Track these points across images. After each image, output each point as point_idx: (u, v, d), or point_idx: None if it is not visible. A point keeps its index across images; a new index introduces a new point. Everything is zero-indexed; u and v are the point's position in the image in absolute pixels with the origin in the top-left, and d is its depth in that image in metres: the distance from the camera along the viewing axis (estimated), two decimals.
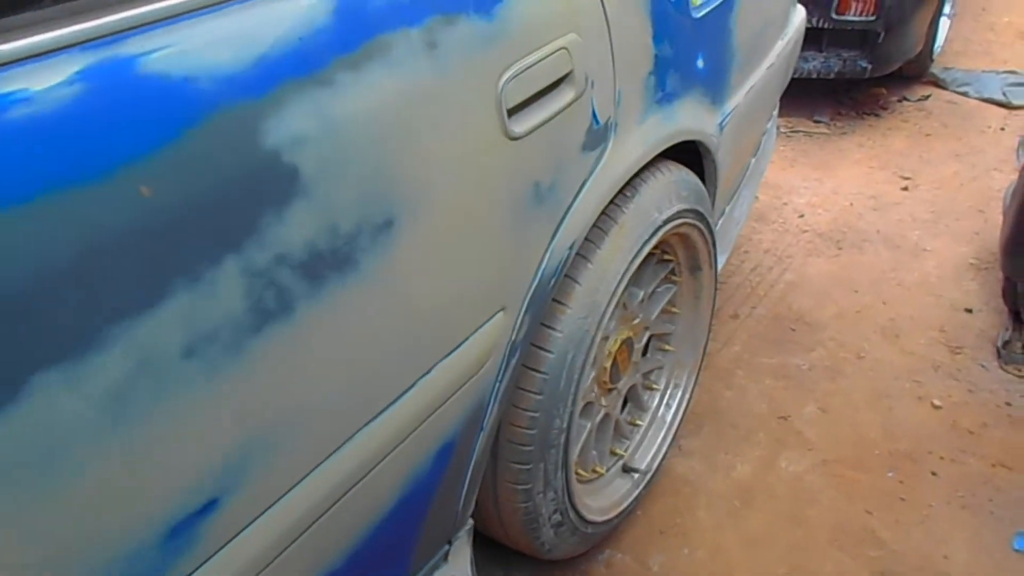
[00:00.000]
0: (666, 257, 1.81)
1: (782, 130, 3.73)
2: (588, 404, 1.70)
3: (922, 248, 2.88)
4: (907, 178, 3.37)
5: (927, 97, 4.06)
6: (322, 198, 0.89)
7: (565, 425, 1.47)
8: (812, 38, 3.45)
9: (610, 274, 1.45)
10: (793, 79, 3.56)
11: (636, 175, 1.53)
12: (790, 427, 2.18)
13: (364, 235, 0.95)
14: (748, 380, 2.33)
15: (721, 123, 1.79)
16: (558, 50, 1.21)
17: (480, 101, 1.09)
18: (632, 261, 1.50)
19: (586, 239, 1.43)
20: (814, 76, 3.56)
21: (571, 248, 1.34)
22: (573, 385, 1.45)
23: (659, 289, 1.88)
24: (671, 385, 1.99)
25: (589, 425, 1.72)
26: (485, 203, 1.14)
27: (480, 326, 1.21)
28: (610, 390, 1.77)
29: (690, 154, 1.76)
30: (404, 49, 0.97)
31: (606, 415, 1.80)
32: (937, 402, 2.23)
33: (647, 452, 1.94)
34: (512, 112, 1.14)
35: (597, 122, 1.33)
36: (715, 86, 1.73)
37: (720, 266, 2.16)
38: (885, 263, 2.79)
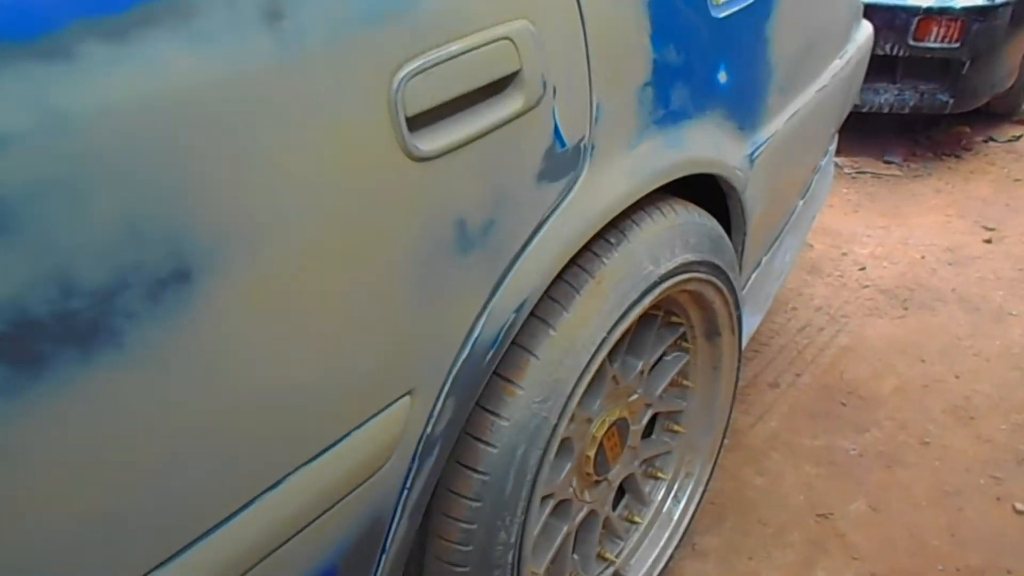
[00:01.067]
0: (674, 320, 1.44)
1: (846, 170, 3.33)
2: (563, 502, 1.35)
3: (1007, 312, 2.45)
4: (991, 229, 2.94)
5: (1018, 138, 3.60)
6: (38, 235, 0.57)
7: (514, 540, 1.12)
8: (885, 67, 3.05)
9: (581, 344, 1.10)
10: (861, 114, 3.16)
11: (623, 215, 1.18)
12: (832, 528, 1.78)
13: (130, 293, 0.62)
14: (784, 465, 1.94)
15: (752, 155, 1.43)
16: (497, 40, 0.87)
17: (360, 104, 0.76)
18: (615, 327, 1.15)
19: (548, 298, 1.09)
20: (886, 111, 3.15)
21: (519, 310, 0.99)
22: (525, 488, 1.09)
23: (667, 358, 1.52)
24: (681, 474, 1.61)
25: (566, 527, 1.36)
26: (369, 247, 0.80)
27: (371, 416, 0.87)
28: (597, 482, 1.41)
29: (709, 192, 1.40)
30: (220, 18, 0.65)
31: (591, 513, 1.43)
32: (1020, 505, 1.81)
33: (647, 556, 1.57)
34: (416, 122, 0.81)
35: (562, 143, 0.99)
36: (744, 107, 1.38)
37: (753, 328, 1.79)
38: (960, 328, 2.37)
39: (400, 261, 0.84)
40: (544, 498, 1.29)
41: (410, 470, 0.95)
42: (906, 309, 2.51)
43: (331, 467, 0.84)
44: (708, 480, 1.64)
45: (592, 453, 1.34)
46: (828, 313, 2.50)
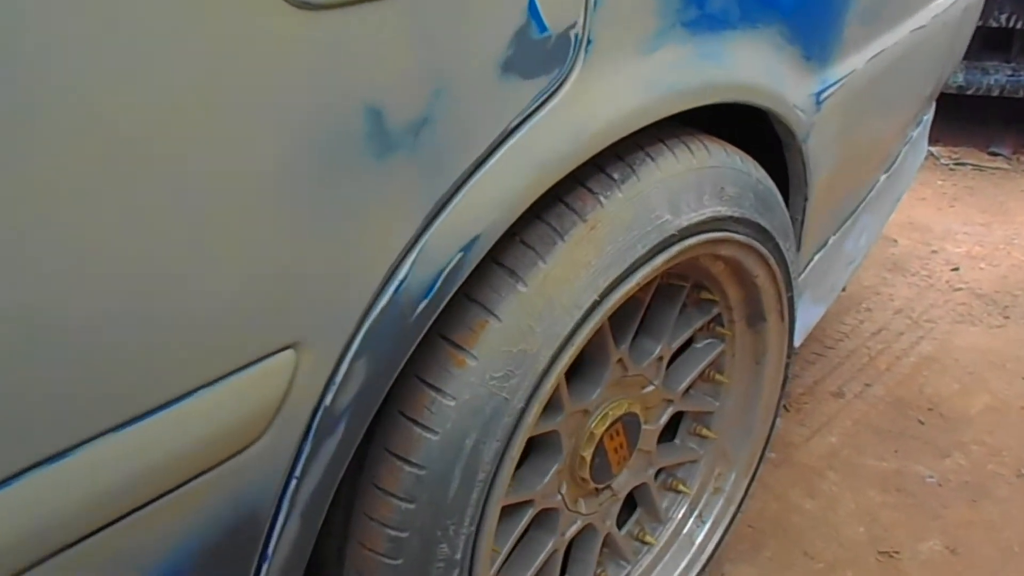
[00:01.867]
0: (706, 296, 1.16)
1: (942, 161, 2.95)
2: (549, 512, 1.08)
3: None
4: None
5: None
6: None
7: (460, 556, 0.86)
8: (998, 42, 2.67)
9: (561, 307, 0.83)
10: (964, 96, 2.78)
11: (633, 144, 0.90)
12: (896, 570, 1.47)
13: None
14: (843, 488, 1.63)
15: (820, 94, 1.14)
16: None
17: None
18: (612, 290, 0.88)
19: (518, 241, 0.83)
20: (995, 94, 2.76)
21: (468, 250, 0.73)
22: (476, 490, 0.83)
23: (696, 346, 1.23)
24: (708, 489, 1.32)
25: (551, 542, 1.09)
26: (228, 131, 0.55)
27: (228, 372, 0.62)
28: (596, 491, 1.14)
29: (759, 141, 1.11)
30: None
31: (587, 528, 1.16)
32: None
33: None
34: None
35: (541, 26, 0.72)
36: (811, 30, 1.08)
37: (812, 322, 1.49)
38: None
39: (276, 156, 0.59)
40: (520, 505, 1.03)
41: (299, 452, 0.70)
42: (1006, 318, 2.15)
43: (163, 436, 0.60)
44: (743, 499, 1.34)
45: (588, 454, 1.07)
46: (910, 317, 2.16)
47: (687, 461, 1.31)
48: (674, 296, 1.11)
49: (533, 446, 1.06)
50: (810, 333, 1.83)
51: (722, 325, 1.22)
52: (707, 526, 1.32)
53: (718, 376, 1.26)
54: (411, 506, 0.81)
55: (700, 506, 1.32)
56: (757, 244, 1.07)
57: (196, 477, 0.63)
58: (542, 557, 1.09)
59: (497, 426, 0.82)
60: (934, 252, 2.45)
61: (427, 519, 0.82)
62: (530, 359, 0.83)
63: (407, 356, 0.73)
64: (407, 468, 0.80)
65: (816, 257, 1.43)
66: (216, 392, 0.61)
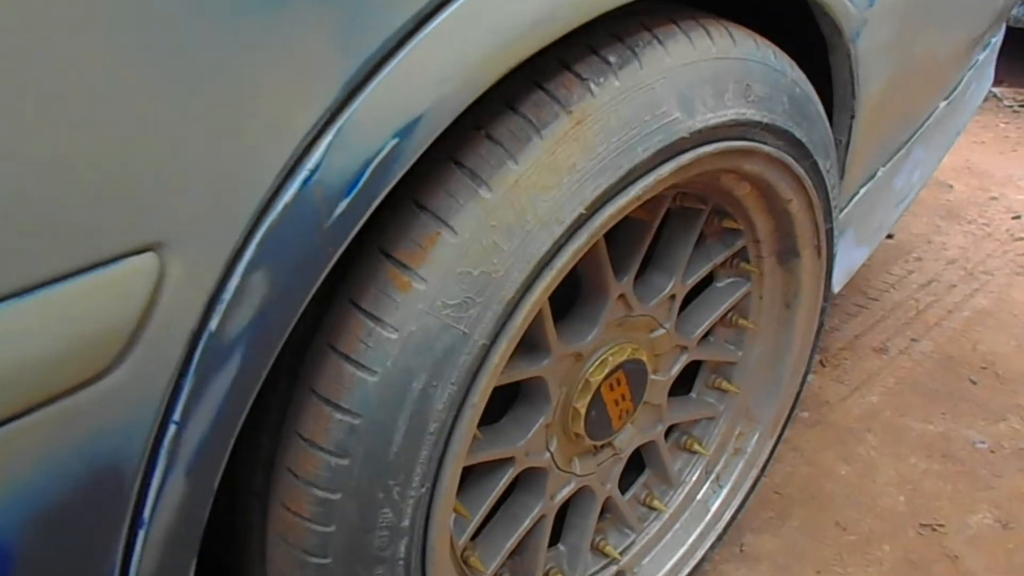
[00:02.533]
0: (728, 224, 0.98)
1: (1006, 102, 2.70)
2: (534, 472, 0.92)
3: None
4: None
5: None
6: None
7: (408, 522, 0.70)
8: None
9: (536, 219, 0.67)
10: None
11: (635, 23, 0.72)
12: (940, 545, 1.30)
13: None
14: (882, 453, 1.46)
15: None
16: None
17: None
18: (604, 202, 0.71)
19: (482, 135, 0.65)
20: None
21: (405, 135, 0.56)
22: (427, 444, 0.68)
23: (717, 285, 1.06)
24: (728, 450, 1.16)
25: (538, 507, 0.94)
26: None
27: (57, 278, 0.46)
28: (593, 449, 0.98)
29: (796, 37, 0.93)
30: None
31: (583, 490, 1.00)
32: None
33: (667, 557, 1.13)
34: None
35: None
36: None
37: (854, 266, 1.30)
38: None
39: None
40: (499, 463, 0.87)
41: (177, 391, 0.54)
42: None
43: None
44: (767, 462, 1.18)
45: (583, 405, 0.91)
46: (965, 268, 1.95)
47: (704, 418, 1.14)
48: (690, 223, 0.94)
49: (515, 395, 0.90)
50: (852, 281, 1.64)
51: (747, 261, 1.04)
52: (725, 491, 1.16)
53: (742, 321, 1.09)
54: (343, 462, 0.66)
55: (717, 469, 1.16)
56: (791, 161, 0.89)
57: (24, 414, 0.48)
58: (526, 523, 0.93)
59: (452, 367, 0.66)
60: (993, 199, 2.23)
61: (364, 479, 0.66)
62: (495, 285, 0.66)
63: (325, 271, 0.57)
64: (338, 416, 0.65)
65: (862, 191, 1.24)
66: (43, 300, 0.46)
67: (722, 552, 1.25)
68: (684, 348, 1.03)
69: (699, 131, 0.75)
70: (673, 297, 0.97)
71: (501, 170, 0.65)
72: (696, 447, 1.13)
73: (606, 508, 1.06)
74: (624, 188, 0.72)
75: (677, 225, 0.94)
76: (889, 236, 1.78)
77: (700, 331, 1.03)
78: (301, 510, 0.68)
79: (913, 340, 1.73)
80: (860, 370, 1.65)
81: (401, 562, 0.72)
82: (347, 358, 0.64)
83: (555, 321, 0.84)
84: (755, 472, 1.17)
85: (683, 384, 1.12)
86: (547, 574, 1.02)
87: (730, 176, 0.90)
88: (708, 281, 1.05)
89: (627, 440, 1.02)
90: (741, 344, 1.11)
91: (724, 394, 1.13)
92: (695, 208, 0.93)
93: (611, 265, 0.86)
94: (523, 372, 0.83)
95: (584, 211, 0.69)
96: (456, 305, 0.65)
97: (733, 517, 1.16)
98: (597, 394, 0.92)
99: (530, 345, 0.84)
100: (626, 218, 0.86)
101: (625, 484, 1.11)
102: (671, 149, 0.74)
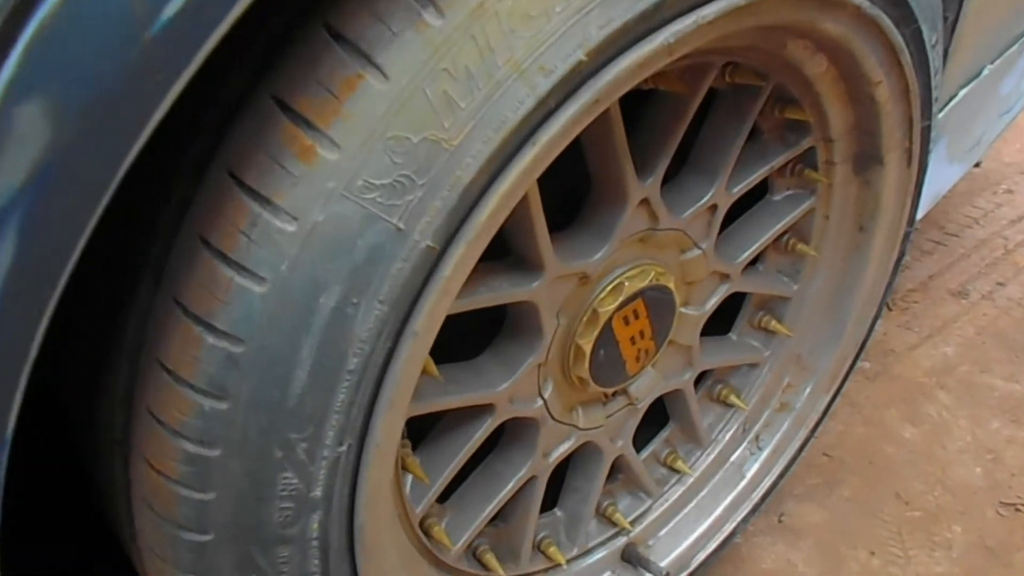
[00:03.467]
0: (794, 114, 0.75)
1: None
2: (521, 422, 0.72)
3: None
4: None
5: None
6: None
7: (319, 491, 0.50)
8: None
9: (508, 65, 0.45)
10: None
11: None
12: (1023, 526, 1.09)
13: None
14: (957, 415, 1.24)
15: None
16: None
17: None
18: (615, 51, 0.48)
19: None
20: None
21: None
22: (343, 386, 0.47)
23: (774, 197, 0.83)
24: (772, 404, 0.95)
25: (527, 466, 0.74)
26: None
27: None
28: (605, 397, 0.78)
29: None
30: None
31: (587, 446, 0.80)
32: None
33: (688, 530, 0.94)
34: None
35: None
36: None
37: (945, 187, 1.06)
38: None
39: None
40: (472, 412, 0.67)
41: None
42: None
43: None
44: (819, 422, 0.97)
45: (588, 343, 0.70)
46: None
47: (744, 364, 0.93)
48: (742, 108, 0.71)
49: (497, 322, 0.69)
50: (928, 212, 1.39)
51: (814, 167, 0.81)
52: (765, 454, 0.95)
53: (801, 246, 0.86)
54: (221, 405, 0.46)
55: (757, 427, 0.95)
56: (888, 23, 0.65)
57: None
58: (511, 486, 0.74)
59: (380, 278, 0.45)
60: None
61: (253, 430, 0.47)
62: (447, 160, 0.45)
63: (156, 114, 0.36)
64: (211, 339, 0.45)
65: (962, 92, 0.99)
66: None
67: (757, 522, 1.05)
68: (725, 277, 0.82)
69: None
70: (714, 208, 0.75)
71: None
72: (733, 399, 0.92)
73: (617, 467, 0.87)
74: (649, 32, 0.50)
75: (724, 110, 0.72)
76: (976, 164, 1.54)
77: (746, 255, 0.82)
78: (168, 469, 0.48)
79: (999, 284, 1.50)
80: (934, 316, 1.42)
81: (315, 543, 0.52)
82: (223, 257, 0.44)
83: (553, 230, 0.63)
84: (804, 433, 0.96)
85: (721, 322, 0.90)
86: (538, 545, 0.82)
87: (801, 43, 0.66)
88: (760, 192, 0.83)
89: (646, 388, 0.82)
90: (797, 275, 0.89)
91: (772, 336, 0.92)
92: (750, 86, 0.70)
93: (631, 158, 0.64)
94: (504, 294, 0.63)
95: (585, 58, 0.47)
96: (386, 188, 0.44)
97: (773, 485, 0.96)
98: (607, 329, 0.71)
99: (514, 258, 0.63)
100: (654, 90, 0.64)
101: (643, 439, 0.91)
102: None
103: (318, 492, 0.50)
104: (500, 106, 0.46)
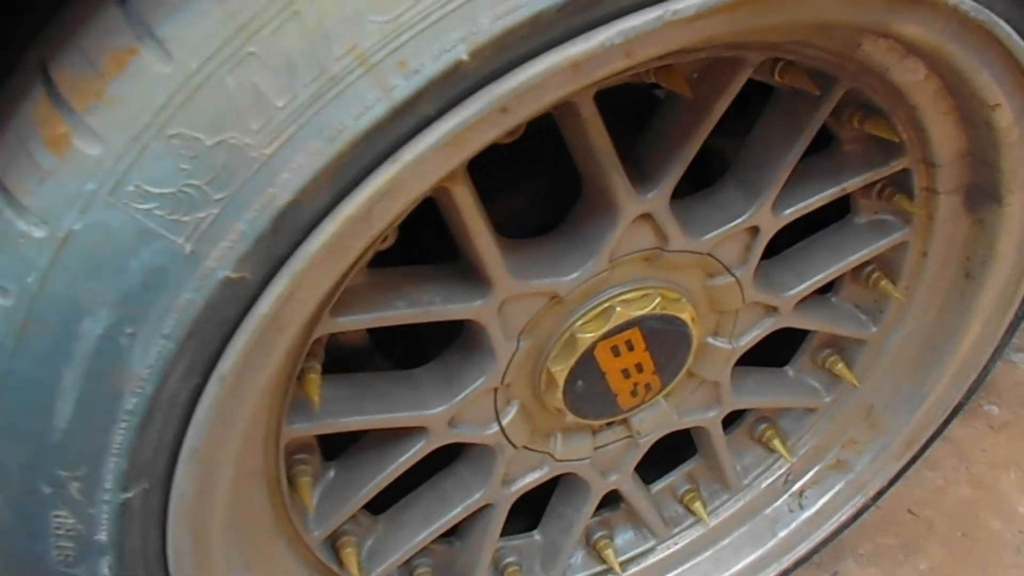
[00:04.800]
0: (872, 127, 0.57)
1: None
2: (474, 447, 0.62)
3: None
4: None
5: None
6: None
7: (105, 536, 0.42)
8: None
9: (346, 46, 0.32)
10: None
11: None
12: None
13: None
14: None
15: None
16: None
17: None
18: (521, 59, 0.35)
19: None
20: None
21: None
22: (122, 428, 0.39)
23: (858, 220, 0.66)
24: (828, 459, 0.79)
25: (480, 494, 0.64)
26: None
27: None
28: (594, 428, 0.66)
29: None
30: None
31: (570, 478, 0.69)
32: None
33: None
34: None
35: None
36: None
37: None
38: None
39: None
40: (399, 434, 0.58)
41: None
42: None
43: None
44: (884, 490, 0.80)
45: (562, 371, 0.58)
46: None
47: (799, 408, 0.77)
48: (800, 112, 0.54)
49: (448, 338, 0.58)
50: None
51: (909, 193, 0.63)
52: (806, 514, 0.80)
53: (885, 284, 0.69)
54: None
55: (803, 481, 0.80)
56: (1007, 31, 0.47)
57: None
58: (458, 511, 0.64)
59: (163, 306, 0.36)
60: None
61: (11, 461, 0.39)
62: (255, 171, 0.34)
63: None
64: None
65: None
66: None
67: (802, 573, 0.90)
68: (772, 309, 0.66)
69: None
70: (755, 231, 0.59)
71: None
72: (776, 444, 0.77)
73: (608, 504, 0.75)
74: (584, 28, 0.36)
75: (778, 115, 0.55)
76: None
77: (804, 288, 0.65)
78: None
79: None
80: None
81: None
82: None
83: (521, 230, 0.51)
84: (860, 500, 0.79)
85: (777, 349, 0.75)
86: (501, 572, 0.73)
87: (883, 44, 0.49)
88: (842, 208, 0.65)
89: (653, 423, 0.69)
90: (880, 316, 0.71)
91: (837, 381, 0.75)
92: (808, 94, 0.53)
93: (627, 165, 0.50)
94: (434, 310, 0.51)
95: (467, 57, 0.34)
96: (168, 199, 0.34)
97: (811, 553, 0.81)
98: (588, 358, 0.59)
99: (463, 264, 0.51)
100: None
101: (662, 467, 0.78)
102: None
103: (102, 536, 0.42)
104: (335, 110, 0.34)
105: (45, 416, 0.38)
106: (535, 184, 0.62)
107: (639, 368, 0.62)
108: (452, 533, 0.69)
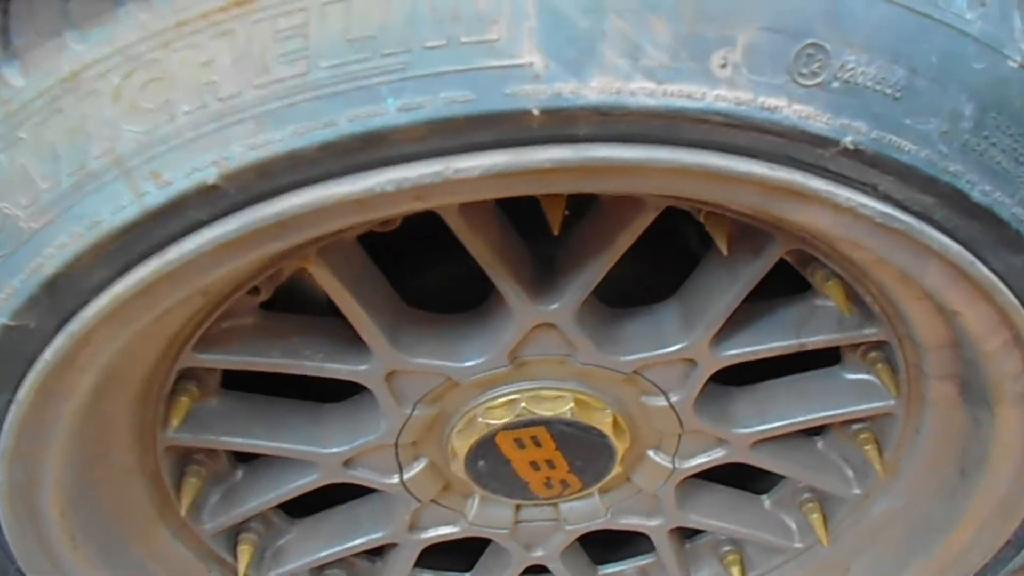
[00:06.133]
0: (831, 291, 0.50)
1: None
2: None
3: None
4: None
5: None
6: None
7: None
8: None
9: (106, 147, 0.34)
10: None
11: None
12: None
13: None
14: None
15: None
16: None
17: None
18: (283, 189, 0.35)
19: None
20: None
21: None
22: None
23: (847, 375, 0.59)
24: None
25: (384, 533, 0.66)
26: None
27: None
28: (516, 505, 0.65)
29: None
30: None
31: (491, 543, 0.69)
32: None
33: None
34: None
35: None
36: None
37: None
38: None
39: None
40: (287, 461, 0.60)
41: None
42: None
43: None
44: None
45: (463, 446, 0.58)
46: None
47: (763, 544, 0.70)
48: (738, 261, 0.49)
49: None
50: None
51: (893, 367, 0.55)
52: None
53: (870, 449, 0.61)
54: None
55: None
56: (946, 244, 0.39)
57: None
58: (362, 541, 0.65)
59: None
60: None
61: None
62: (24, 240, 0.37)
63: None
64: None
65: None
66: None
67: None
68: (721, 440, 0.61)
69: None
70: (692, 363, 0.54)
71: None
72: (735, 572, 0.71)
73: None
74: (356, 168, 0.35)
75: (717, 256, 0.50)
76: None
77: (761, 431, 0.59)
78: None
79: None
80: None
81: None
82: None
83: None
84: None
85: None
86: None
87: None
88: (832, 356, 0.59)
89: (581, 515, 0.66)
90: (866, 476, 0.63)
91: (809, 529, 0.68)
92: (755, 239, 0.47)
93: (518, 274, 0.48)
94: (312, 365, 0.52)
95: (220, 182, 0.34)
96: None
97: None
98: (489, 442, 0.57)
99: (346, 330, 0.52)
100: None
101: (618, 554, 0.75)
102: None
103: None
104: (94, 202, 0.35)
105: None
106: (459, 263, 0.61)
107: (550, 464, 0.60)
108: (376, 553, 0.70)
